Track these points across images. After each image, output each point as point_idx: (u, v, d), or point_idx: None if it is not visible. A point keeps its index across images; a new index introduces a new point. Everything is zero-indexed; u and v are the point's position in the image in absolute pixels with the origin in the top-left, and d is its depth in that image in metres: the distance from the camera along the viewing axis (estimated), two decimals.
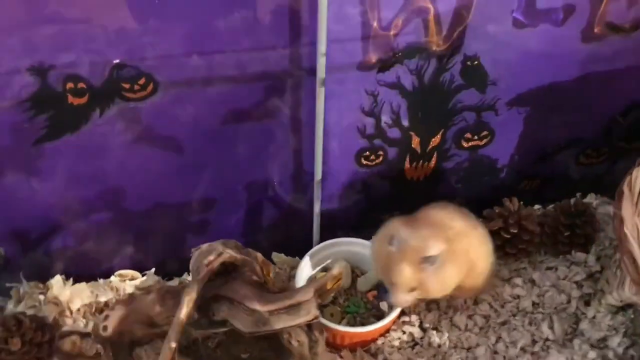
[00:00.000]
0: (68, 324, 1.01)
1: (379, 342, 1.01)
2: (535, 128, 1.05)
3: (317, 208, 1.04)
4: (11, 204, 0.93)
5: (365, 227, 1.14)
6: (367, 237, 1.14)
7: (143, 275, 1.09)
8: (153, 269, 1.09)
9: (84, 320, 1.02)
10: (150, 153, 0.91)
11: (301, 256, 1.10)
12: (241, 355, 0.97)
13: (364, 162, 1.02)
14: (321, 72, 0.84)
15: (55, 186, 0.92)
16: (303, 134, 0.95)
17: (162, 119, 0.87)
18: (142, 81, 0.81)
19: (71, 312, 1.03)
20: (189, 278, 1.10)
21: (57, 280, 1.05)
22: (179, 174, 0.96)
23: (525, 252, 1.11)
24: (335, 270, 0.84)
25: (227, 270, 0.88)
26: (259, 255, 0.93)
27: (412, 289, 0.89)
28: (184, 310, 0.80)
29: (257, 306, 0.83)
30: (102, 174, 0.92)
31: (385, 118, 0.95)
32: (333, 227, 1.10)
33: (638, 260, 0.81)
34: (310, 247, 1.09)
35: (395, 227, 0.91)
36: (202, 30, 0.79)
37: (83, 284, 1.05)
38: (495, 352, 0.99)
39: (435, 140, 1.01)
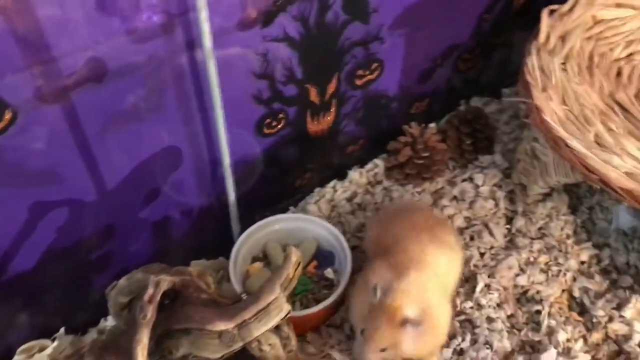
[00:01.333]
0: None
1: (342, 312, 0.94)
2: (416, 47, 1.02)
3: (232, 196, 0.93)
4: None
5: (280, 200, 1.06)
6: (285, 210, 1.06)
7: (53, 341, 0.90)
8: (62, 329, 0.92)
9: None
10: (25, 195, 0.74)
11: (224, 255, 0.99)
12: None
13: (266, 130, 0.92)
14: (207, 41, 0.71)
15: None
16: (195, 120, 0.83)
17: (29, 151, 0.70)
18: None
19: None
20: (108, 323, 0.94)
21: None
22: (64, 209, 0.79)
23: (439, 172, 1.10)
24: (293, 257, 0.75)
25: (169, 299, 0.75)
26: (192, 270, 0.81)
27: (384, 349, 0.77)
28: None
29: (222, 325, 0.71)
30: None
31: (279, 76, 0.86)
32: (248, 212, 1.00)
33: (569, 142, 0.81)
34: (230, 241, 0.98)
35: (379, 273, 0.80)
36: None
37: None
38: None
39: (332, 86, 0.94)
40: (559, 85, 0.88)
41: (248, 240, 0.97)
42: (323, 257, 0.99)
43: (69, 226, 0.81)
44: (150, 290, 0.70)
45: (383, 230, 0.89)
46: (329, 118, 0.99)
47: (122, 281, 0.84)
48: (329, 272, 0.97)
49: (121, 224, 0.87)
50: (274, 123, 0.92)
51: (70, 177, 0.76)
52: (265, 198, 1.02)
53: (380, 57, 0.97)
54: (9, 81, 0.62)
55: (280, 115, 0.92)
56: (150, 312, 0.68)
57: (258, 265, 0.98)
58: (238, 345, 0.72)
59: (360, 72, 0.96)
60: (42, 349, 0.89)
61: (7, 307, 0.85)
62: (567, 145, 0.82)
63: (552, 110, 0.85)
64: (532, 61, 0.91)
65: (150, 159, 0.82)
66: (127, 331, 0.76)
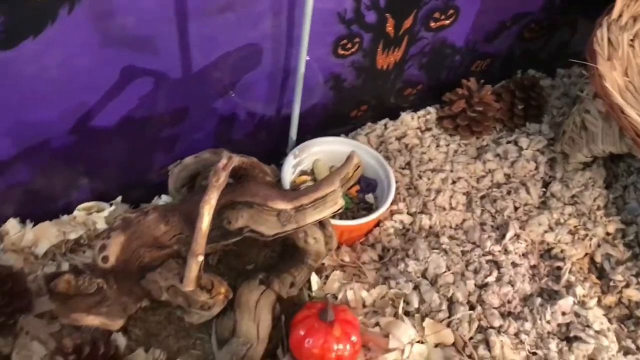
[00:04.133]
0: (35, 270, 0.88)
1: (375, 232, 1.00)
2: (491, 3, 1.06)
3: (297, 108, 0.98)
4: None
5: (331, 126, 1.11)
6: (337, 136, 1.12)
7: (110, 206, 0.97)
8: (119, 197, 0.98)
9: (54, 264, 0.90)
10: (122, 57, 0.79)
11: (274, 164, 1.05)
12: (245, 267, 0.92)
13: (341, 51, 0.97)
14: None
15: (7, 107, 0.77)
16: (281, 24, 0.88)
17: (137, 14, 0.75)
18: None
19: (36, 257, 0.90)
20: (162, 201, 1.01)
21: (12, 225, 0.90)
22: (151, 79, 0.85)
23: (487, 129, 1.15)
24: (355, 158, 0.81)
25: (234, 178, 0.82)
26: (254, 159, 0.87)
27: None
28: (206, 219, 0.73)
29: (282, 205, 0.77)
30: (66, 87, 0.79)
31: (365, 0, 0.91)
32: (303, 130, 1.05)
33: (625, 109, 0.86)
34: (282, 153, 1.04)
35: None
36: None
37: (47, 223, 0.92)
38: (483, 224, 1.03)
39: (408, 21, 0.99)
40: (624, 58, 0.93)
41: (301, 154, 1.03)
42: (366, 184, 1.04)
43: (151, 98, 0.87)
44: (224, 160, 0.76)
45: None
46: (397, 54, 1.04)
47: (189, 159, 0.90)
48: (369, 197, 1.03)
49: (194, 109, 0.93)
50: (349, 45, 0.97)
51: (165, 49, 0.81)
52: (319, 120, 1.08)
53: (457, 5, 1.02)
54: None
55: (356, 39, 0.97)
56: (223, 178, 0.74)
57: (305, 178, 1.04)
58: (291, 227, 0.78)
59: (436, 14, 1.01)
60: (99, 210, 0.96)
61: (81, 165, 0.91)
62: (622, 112, 0.87)
63: (613, 79, 0.90)
64: (602, 33, 0.96)
65: (235, 52, 0.88)
66: (189, 199, 0.83)
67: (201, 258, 0.73)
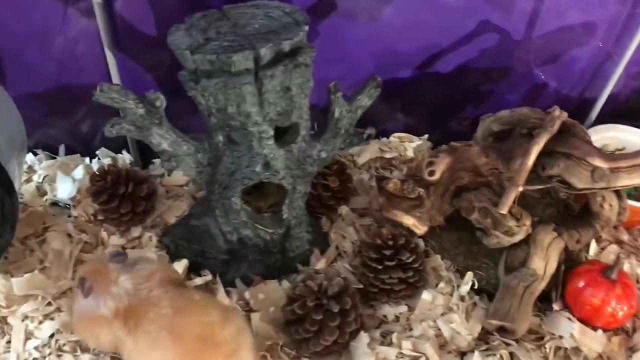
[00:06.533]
0: (353, 175, 1.06)
1: None
2: None
3: (607, 92, 1.05)
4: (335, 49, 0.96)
5: (623, 117, 1.16)
6: None
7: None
8: (427, 135, 1.13)
9: (367, 174, 1.07)
10: (482, 11, 0.93)
11: None
12: (532, 219, 1.02)
13: None
14: None
15: (378, 38, 0.94)
16: (623, 9, 0.96)
17: None
18: None
19: (355, 164, 1.08)
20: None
21: None
22: (496, 36, 0.97)
23: None
24: None
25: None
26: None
27: None
28: (532, 157, 0.84)
29: (599, 162, 0.85)
30: (430, 27, 0.94)
31: None
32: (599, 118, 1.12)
33: None
34: None
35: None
36: None
37: (371, 141, 1.09)
38: None
39: None
40: None
41: (594, 135, 1.08)
42: None
43: (490, 52, 0.99)
44: (558, 112, 0.86)
45: None
46: None
47: (504, 112, 1.01)
48: None
49: (517, 71, 1.04)
50: None
51: (519, 11, 0.94)
52: (616, 109, 1.13)
53: None
54: None
55: None
56: (557, 125, 0.85)
57: None
58: (601, 186, 0.86)
59: None
60: (410, 141, 1.12)
61: (401, 99, 1.07)
62: None
63: None
64: None
65: (573, 26, 0.97)
66: (509, 142, 0.95)
67: (520, 189, 0.84)
